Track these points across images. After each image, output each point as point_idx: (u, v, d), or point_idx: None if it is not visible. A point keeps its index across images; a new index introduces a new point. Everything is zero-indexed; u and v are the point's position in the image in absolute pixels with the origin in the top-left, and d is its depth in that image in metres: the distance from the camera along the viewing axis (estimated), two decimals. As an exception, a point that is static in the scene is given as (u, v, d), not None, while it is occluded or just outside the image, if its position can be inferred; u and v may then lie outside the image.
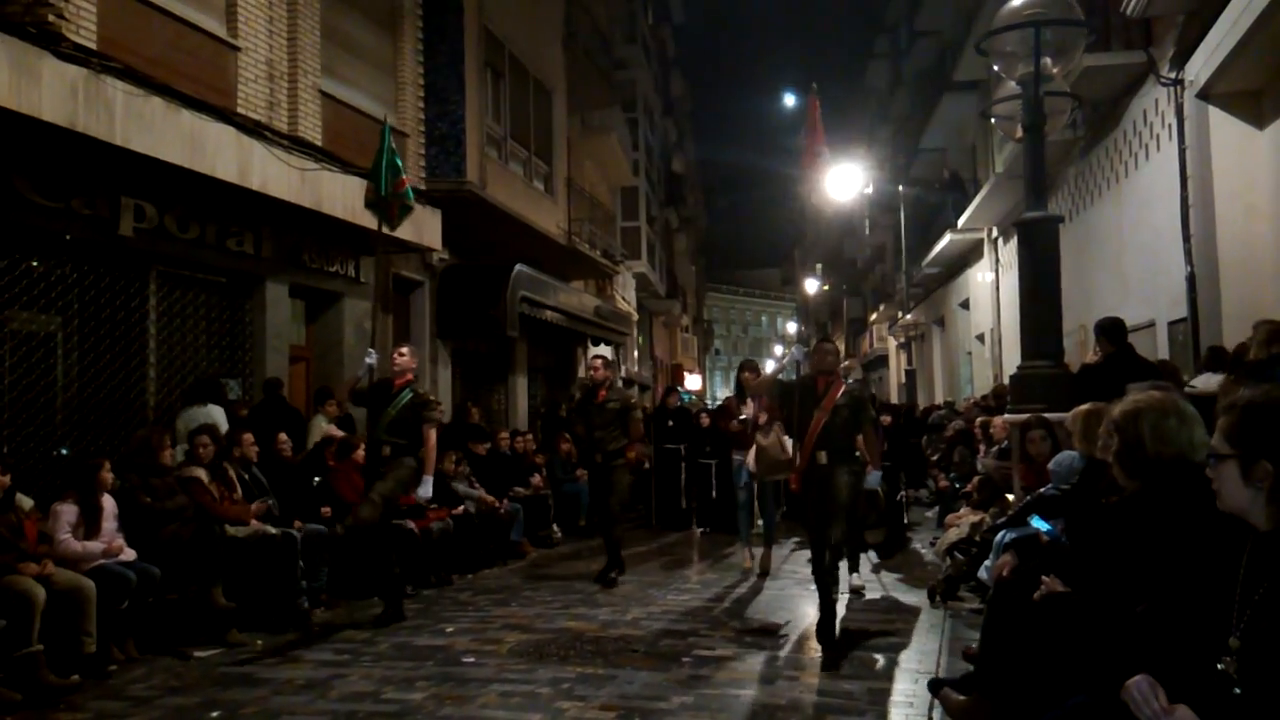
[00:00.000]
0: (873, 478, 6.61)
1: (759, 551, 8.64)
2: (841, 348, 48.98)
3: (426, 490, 6.80)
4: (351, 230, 9.88)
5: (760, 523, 8.95)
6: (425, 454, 6.75)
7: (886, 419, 10.25)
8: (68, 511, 5.67)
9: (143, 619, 5.75)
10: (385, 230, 7.36)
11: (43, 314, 7.31)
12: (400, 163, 7.38)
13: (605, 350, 21.72)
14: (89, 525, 5.69)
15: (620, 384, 8.93)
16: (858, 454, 6.30)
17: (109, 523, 5.83)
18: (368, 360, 6.96)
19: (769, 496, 8.68)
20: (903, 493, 10.47)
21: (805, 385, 6.30)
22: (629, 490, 8.98)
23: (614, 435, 8.26)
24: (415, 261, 12.30)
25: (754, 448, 8.22)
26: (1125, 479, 2.93)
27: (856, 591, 7.37)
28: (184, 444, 7.03)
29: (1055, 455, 5.63)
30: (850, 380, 7.51)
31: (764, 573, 8.35)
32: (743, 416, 8.81)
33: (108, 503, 5.89)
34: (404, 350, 6.98)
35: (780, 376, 6.75)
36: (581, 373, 19.71)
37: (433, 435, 6.81)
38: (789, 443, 8.16)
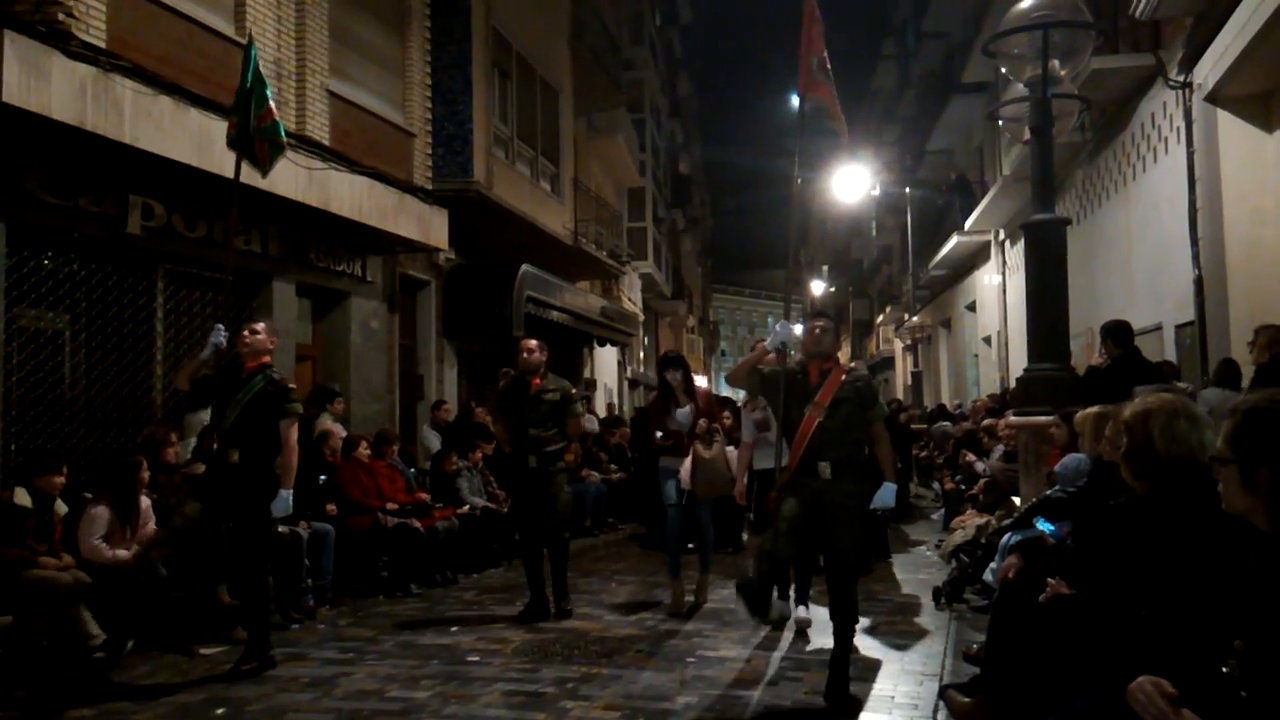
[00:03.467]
0: (885, 493, 5.03)
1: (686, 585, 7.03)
2: (848, 349, 49.01)
3: (284, 506, 5.40)
4: (358, 229, 9.90)
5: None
6: (283, 458, 5.42)
7: None
8: (100, 515, 5.70)
9: (148, 616, 5.76)
10: (254, 171, 6.11)
11: (51, 311, 7.33)
12: (269, 93, 6.10)
13: (609, 348, 21.70)
14: (125, 526, 5.74)
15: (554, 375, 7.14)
16: (863, 461, 4.94)
17: (150, 525, 5.86)
18: (213, 339, 5.61)
19: (706, 515, 7.03)
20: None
21: (794, 375, 4.94)
22: (570, 504, 7.26)
23: (552, 434, 6.78)
24: (422, 261, 12.32)
25: (689, 459, 6.81)
26: (1134, 480, 2.92)
27: (801, 627, 6.18)
28: (192, 437, 7.04)
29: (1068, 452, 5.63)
30: (855, 367, 6.82)
31: (696, 605, 6.94)
32: (667, 429, 6.98)
33: (144, 503, 5.92)
34: (258, 326, 5.64)
35: (761, 365, 5.14)
36: (587, 373, 19.72)
37: (292, 434, 5.46)
38: (734, 457, 6.79)
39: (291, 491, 5.41)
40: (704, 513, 7.01)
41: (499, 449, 10.61)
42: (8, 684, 4.81)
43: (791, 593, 6.44)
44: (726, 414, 7.96)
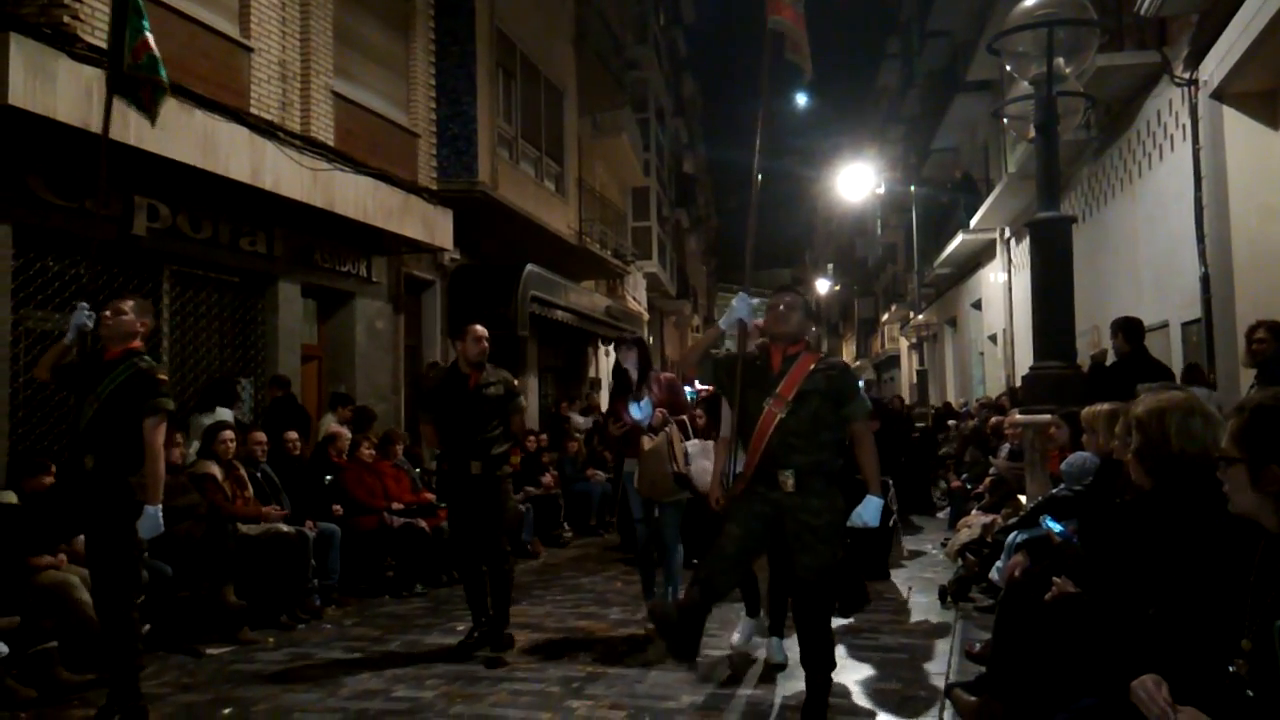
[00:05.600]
0: (868, 509, 4.06)
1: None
2: (853, 347, 48.86)
3: (152, 526, 4.42)
4: (363, 230, 9.92)
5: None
6: (147, 466, 4.44)
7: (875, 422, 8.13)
8: None
9: (154, 616, 5.77)
10: (143, 118, 5.20)
11: (57, 313, 7.35)
12: (146, 23, 5.02)
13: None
14: None
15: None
16: (836, 469, 4.10)
17: None
18: (75, 320, 4.63)
19: (671, 525, 6.01)
20: (894, 518, 7.76)
21: (753, 361, 4.16)
22: (519, 516, 6.01)
23: (496, 434, 5.78)
24: (426, 261, 12.34)
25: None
26: (1143, 477, 2.91)
27: (772, 669, 5.21)
28: (197, 439, 7.06)
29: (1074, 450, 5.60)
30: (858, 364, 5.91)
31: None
32: (624, 422, 6.11)
33: None
34: (125, 304, 4.64)
35: (715, 350, 4.45)
36: (592, 372, 19.72)
37: (158, 436, 4.48)
38: (683, 449, 5.85)
39: (160, 508, 4.46)
40: (668, 526, 5.98)
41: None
42: (18, 683, 4.81)
43: (762, 618, 5.55)
44: (699, 411, 6.85)
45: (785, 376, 4.01)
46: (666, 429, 5.84)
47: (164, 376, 4.64)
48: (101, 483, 4.43)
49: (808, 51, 4.94)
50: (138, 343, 4.63)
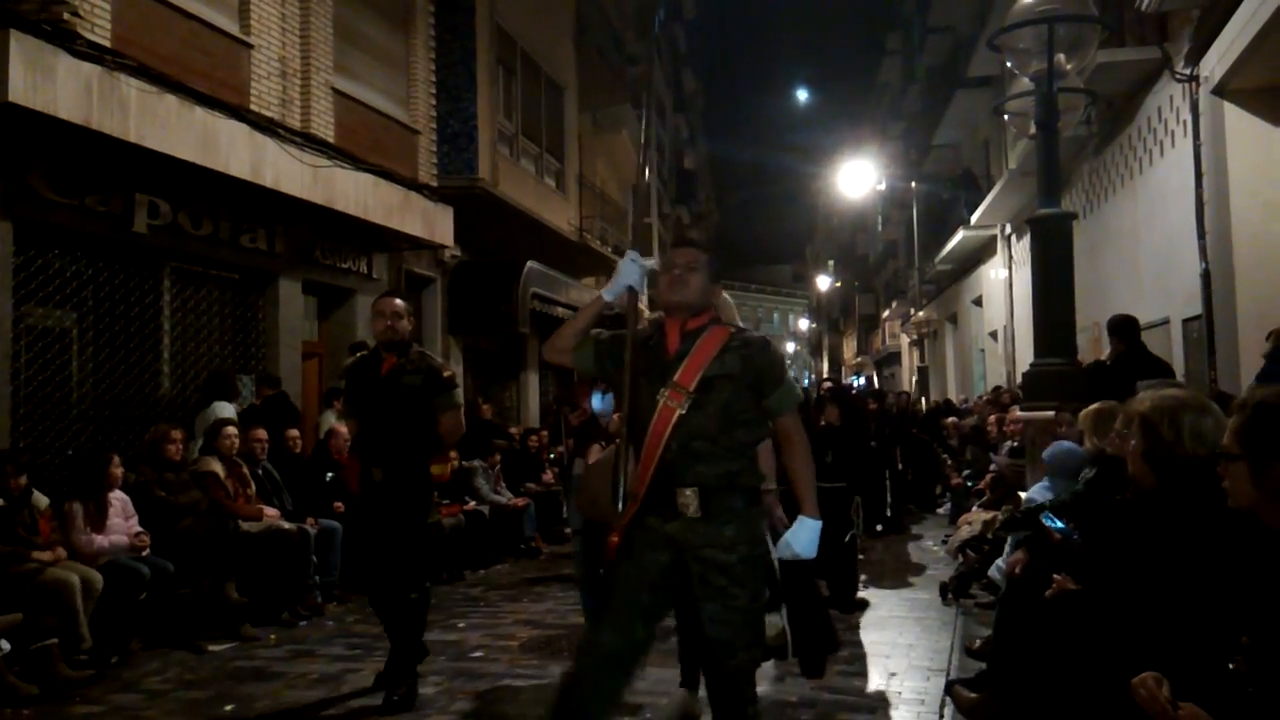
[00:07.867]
0: (799, 535, 2.98)
1: None
2: (854, 343, 48.75)
3: None
4: (364, 227, 9.92)
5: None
6: None
7: (834, 412, 7.33)
8: (75, 511, 5.74)
9: (156, 613, 5.78)
10: None
11: (58, 310, 7.36)
12: None
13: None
14: (95, 520, 5.74)
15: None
16: (759, 486, 3.04)
17: (117, 518, 5.86)
18: None
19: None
20: (853, 530, 6.77)
21: (645, 341, 3.10)
22: (433, 540, 5.09)
23: (415, 433, 4.69)
24: (427, 258, 12.34)
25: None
26: (1146, 474, 2.90)
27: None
28: (201, 437, 7.06)
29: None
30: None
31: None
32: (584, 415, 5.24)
33: (116, 497, 5.92)
34: None
35: (598, 330, 3.34)
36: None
37: None
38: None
39: None
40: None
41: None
42: (19, 679, 4.82)
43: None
44: None
45: (686, 359, 2.95)
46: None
47: None
48: None
49: None
50: None
